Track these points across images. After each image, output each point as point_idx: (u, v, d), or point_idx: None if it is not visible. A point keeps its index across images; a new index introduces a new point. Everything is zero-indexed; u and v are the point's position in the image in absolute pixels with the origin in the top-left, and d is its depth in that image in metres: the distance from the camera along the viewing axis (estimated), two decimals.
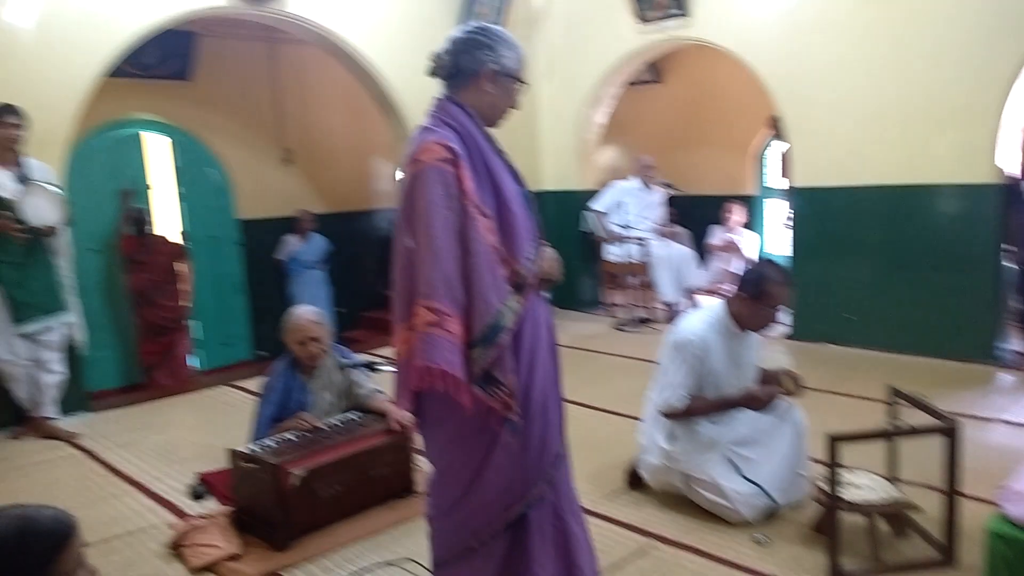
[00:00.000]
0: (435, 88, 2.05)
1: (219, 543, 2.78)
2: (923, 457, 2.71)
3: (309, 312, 3.38)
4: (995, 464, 3.10)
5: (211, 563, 2.69)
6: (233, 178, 7.01)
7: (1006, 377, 4.74)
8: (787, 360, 3.20)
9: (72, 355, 4.37)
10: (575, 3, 6.88)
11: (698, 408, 2.94)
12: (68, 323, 4.25)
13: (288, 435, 3.08)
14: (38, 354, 4.10)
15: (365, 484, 3.05)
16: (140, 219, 5.92)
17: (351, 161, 7.84)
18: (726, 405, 2.96)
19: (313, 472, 2.86)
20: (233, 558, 2.73)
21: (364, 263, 7.57)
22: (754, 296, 2.88)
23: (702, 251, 7.18)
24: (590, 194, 6.90)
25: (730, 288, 6.31)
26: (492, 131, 2.06)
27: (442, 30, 2.03)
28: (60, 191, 4.19)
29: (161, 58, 6.45)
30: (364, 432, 3.13)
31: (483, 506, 2.00)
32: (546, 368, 2.05)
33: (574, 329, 6.42)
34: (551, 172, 7.30)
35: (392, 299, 1.96)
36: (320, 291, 6.96)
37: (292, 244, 7.05)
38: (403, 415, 3.06)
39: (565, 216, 7.08)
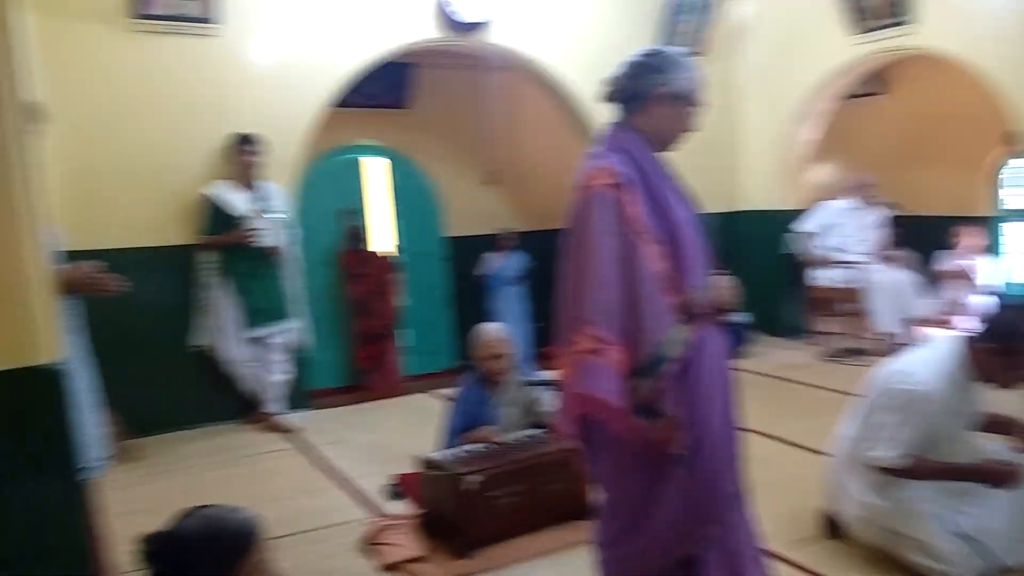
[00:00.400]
0: None
1: (407, 544, 2.95)
2: None
3: (496, 329, 3.50)
4: None
5: (398, 562, 2.86)
6: (442, 198, 7.45)
7: None
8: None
9: (296, 357, 4.85)
10: (783, 17, 6.55)
11: (922, 472, 2.59)
12: (293, 328, 4.74)
13: (475, 446, 3.20)
14: (266, 355, 4.61)
15: (542, 499, 3.09)
16: (358, 235, 6.46)
17: (551, 181, 7.98)
18: (957, 475, 2.59)
19: (489, 479, 2.95)
20: (419, 560, 2.88)
21: None
22: (1006, 351, 2.48)
23: (928, 278, 6.51)
24: (795, 214, 6.52)
25: (960, 322, 5.67)
26: (666, 155, 2.03)
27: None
28: (284, 216, 4.67)
29: (383, 89, 7.02)
30: (543, 448, 3.18)
31: (651, 540, 1.95)
32: (720, 402, 1.98)
33: (775, 357, 6.08)
34: (751, 191, 7.00)
35: (558, 323, 1.97)
36: (519, 306, 7.17)
37: (493, 261, 7.33)
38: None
39: (765, 237, 6.75)
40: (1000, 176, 7.50)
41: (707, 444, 1.92)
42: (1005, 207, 7.48)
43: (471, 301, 7.28)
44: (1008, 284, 6.82)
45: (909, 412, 2.55)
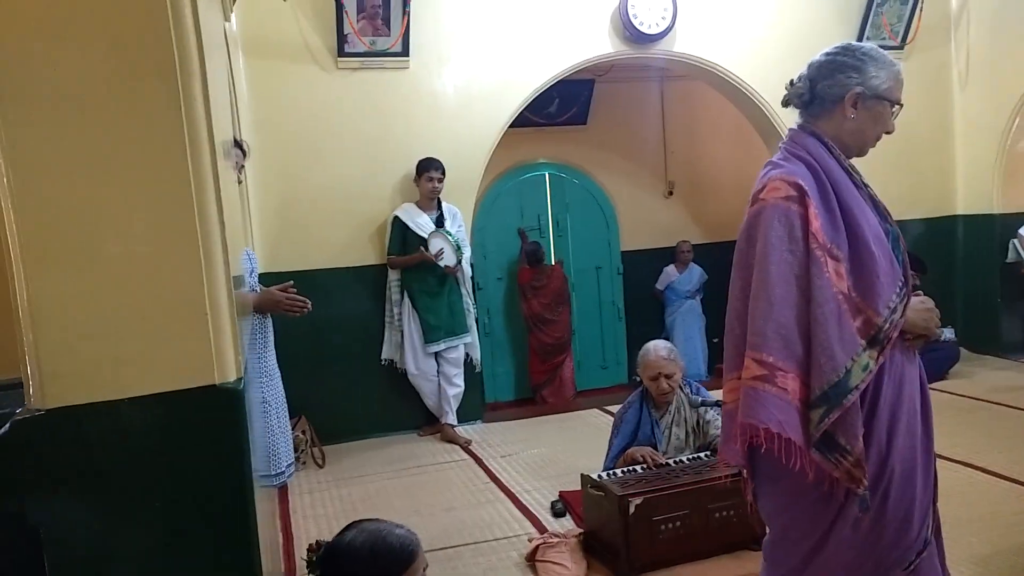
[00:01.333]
0: None
1: (568, 563, 2.94)
2: None
3: (663, 348, 3.40)
4: None
5: None
6: (618, 211, 7.41)
7: None
8: None
9: (469, 371, 5.03)
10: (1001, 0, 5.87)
11: None
12: (468, 343, 4.92)
13: (636, 468, 3.14)
14: (443, 369, 4.83)
15: (708, 527, 2.96)
16: (536, 252, 6.59)
17: (733, 192, 7.71)
18: None
19: (650, 501, 2.87)
20: None
21: None
22: None
23: None
24: (1018, 217, 5.80)
25: None
26: (856, 161, 1.86)
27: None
28: (462, 235, 4.86)
29: (562, 106, 7.13)
30: (711, 473, 3.05)
31: None
32: (911, 436, 1.78)
33: (989, 378, 5.43)
34: (967, 193, 6.30)
35: (725, 345, 1.86)
36: (696, 321, 6.97)
37: (671, 274, 7.18)
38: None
39: (983, 244, 6.09)
40: None
41: (893, 483, 1.74)
42: None
43: (646, 315, 7.18)
44: None
45: None
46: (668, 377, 3.31)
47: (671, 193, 7.58)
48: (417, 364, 4.80)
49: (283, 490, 3.95)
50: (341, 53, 4.86)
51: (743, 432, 1.70)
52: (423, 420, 5.02)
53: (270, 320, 3.20)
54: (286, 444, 3.25)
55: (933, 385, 5.27)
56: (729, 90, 5.87)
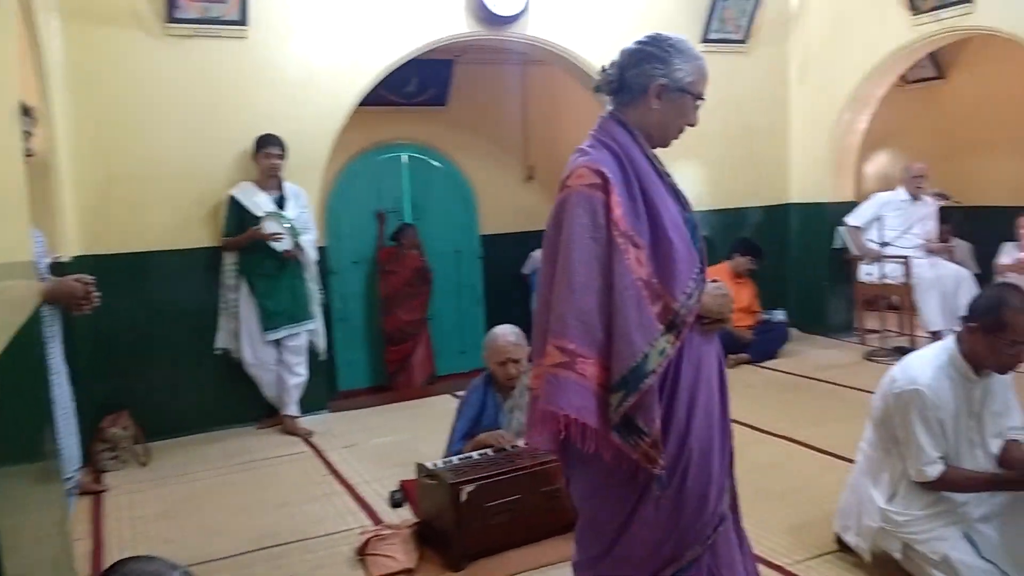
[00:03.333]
0: None
1: (398, 555, 2.87)
2: None
3: (511, 333, 3.40)
4: None
5: (388, 575, 2.79)
6: (478, 195, 7.37)
7: None
8: None
9: (316, 359, 4.83)
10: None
11: (958, 482, 2.42)
12: (311, 331, 4.72)
13: (474, 454, 3.11)
14: (284, 358, 4.60)
15: (541, 511, 2.97)
16: (403, 233, 6.43)
17: None
18: (996, 484, 2.42)
19: (483, 489, 2.84)
20: (408, 572, 2.80)
21: None
22: (989, 328, 2.32)
23: (986, 271, 6.11)
24: (845, 207, 6.20)
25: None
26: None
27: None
28: (306, 217, 4.64)
29: (420, 87, 6.99)
30: (547, 457, 3.05)
31: (629, 564, 1.83)
32: (709, 417, 1.83)
33: (814, 356, 5.80)
34: (801, 183, 6.67)
35: (533, 332, 1.86)
36: None
37: (536, 260, 7.22)
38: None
39: (814, 231, 6.47)
40: None
41: (692, 463, 1.79)
42: None
43: (506, 299, 7.19)
44: None
45: (920, 413, 2.40)
46: (516, 362, 3.31)
47: (531, 177, 7.61)
48: (255, 353, 4.54)
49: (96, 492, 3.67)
50: (170, 19, 4.49)
51: (544, 418, 1.72)
52: (262, 412, 4.75)
53: (59, 312, 2.91)
54: (72, 448, 2.97)
55: (764, 363, 5.69)
56: (580, 76, 5.92)
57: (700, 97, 1.87)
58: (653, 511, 1.78)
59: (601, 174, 1.74)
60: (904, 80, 6.49)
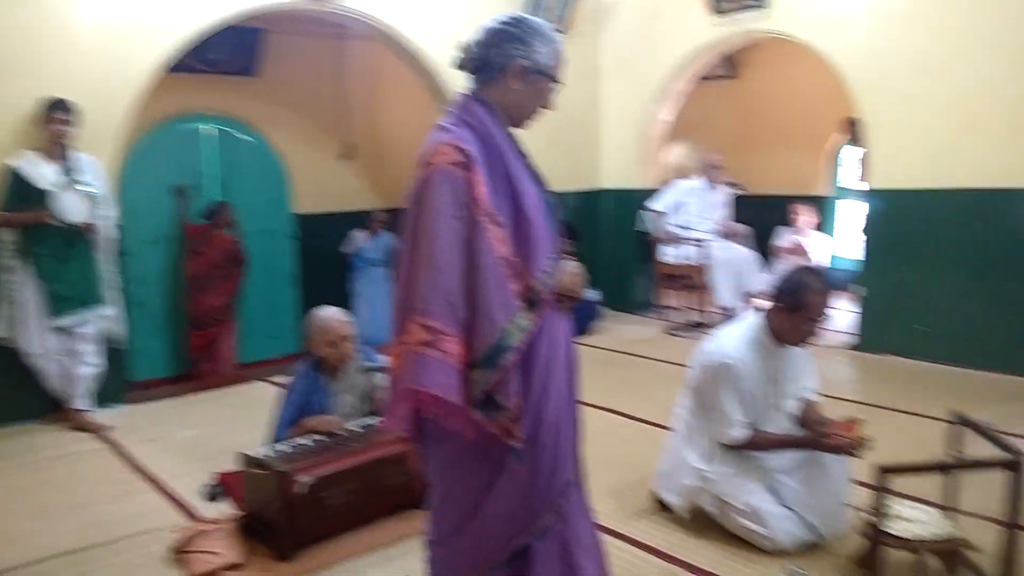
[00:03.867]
0: None
1: (221, 550, 2.69)
2: (986, 485, 2.43)
3: (337, 312, 3.29)
4: None
5: (210, 572, 2.60)
6: (292, 172, 7.02)
7: None
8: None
9: (109, 347, 4.38)
10: None
11: (760, 443, 2.70)
12: (105, 316, 4.27)
13: (304, 440, 2.98)
14: (73, 346, 4.14)
15: (377, 494, 2.92)
16: (217, 211, 5.96)
17: (411, 156, 7.76)
18: (791, 444, 2.71)
19: (321, 480, 2.75)
20: (234, 567, 2.64)
21: None
22: (792, 307, 2.62)
23: (768, 253, 6.81)
24: (651, 193, 6.65)
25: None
26: (518, 131, 1.89)
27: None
28: (98, 191, 4.19)
29: (228, 54, 6.51)
30: (381, 439, 2.99)
31: (485, 536, 1.85)
32: (562, 391, 1.88)
33: (623, 332, 6.18)
34: (611, 170, 7.06)
35: (394, 311, 1.80)
36: (383, 288, 6.90)
37: (359, 240, 7.01)
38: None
39: (623, 215, 6.88)
40: (839, 158, 7.99)
41: (545, 434, 1.84)
42: (841, 186, 7.97)
43: (322, 282, 6.94)
44: (836, 257, 7.27)
45: (728, 382, 2.66)
46: (342, 342, 3.20)
47: (349, 156, 7.38)
48: (38, 341, 4.05)
49: None
50: None
51: (406, 397, 1.70)
52: (48, 407, 4.25)
53: None
54: None
55: (577, 339, 5.91)
56: (404, 54, 5.83)
57: (558, 81, 1.89)
58: (508, 483, 1.81)
59: (464, 152, 1.72)
60: (704, 77, 7.02)
